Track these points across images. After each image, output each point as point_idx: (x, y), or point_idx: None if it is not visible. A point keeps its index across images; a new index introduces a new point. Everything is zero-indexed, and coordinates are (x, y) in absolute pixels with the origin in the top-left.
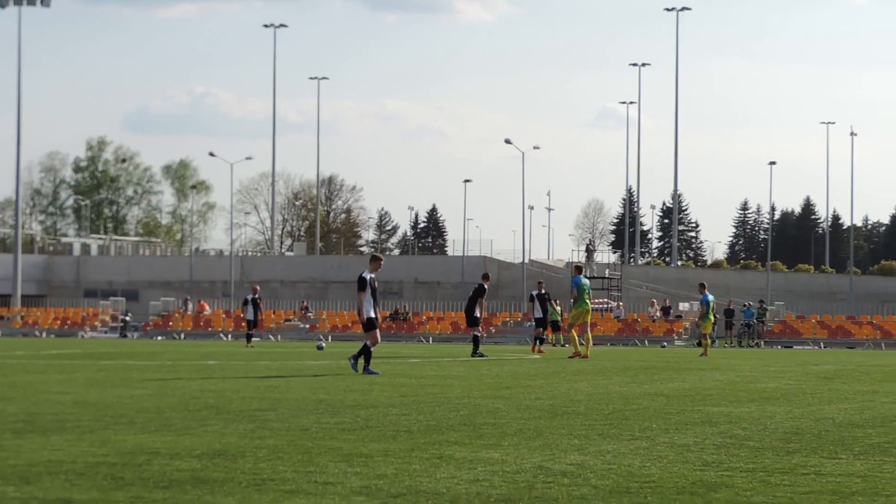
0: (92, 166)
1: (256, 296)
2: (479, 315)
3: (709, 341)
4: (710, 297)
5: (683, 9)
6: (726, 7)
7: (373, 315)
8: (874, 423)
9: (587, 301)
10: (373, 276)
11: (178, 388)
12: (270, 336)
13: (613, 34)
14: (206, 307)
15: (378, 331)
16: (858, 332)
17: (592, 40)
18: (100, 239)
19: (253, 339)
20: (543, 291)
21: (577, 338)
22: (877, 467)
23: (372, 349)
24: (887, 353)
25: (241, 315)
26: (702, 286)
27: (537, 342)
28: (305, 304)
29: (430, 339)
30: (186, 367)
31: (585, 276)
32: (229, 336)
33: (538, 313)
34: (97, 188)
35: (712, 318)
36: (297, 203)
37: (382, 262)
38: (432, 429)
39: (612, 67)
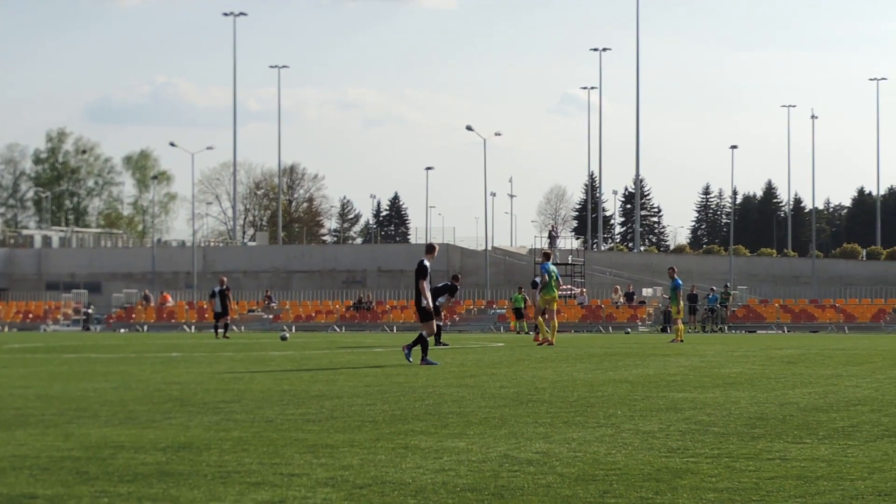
0: (52, 158)
1: (224, 287)
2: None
3: (681, 326)
4: (680, 282)
5: None
6: None
7: (424, 304)
8: (838, 408)
9: (555, 288)
10: (429, 264)
11: (141, 380)
12: (234, 327)
13: (574, 19)
14: (170, 299)
15: (434, 321)
16: (821, 315)
17: (553, 26)
18: (61, 231)
19: (225, 329)
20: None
21: (544, 324)
22: (841, 451)
23: (427, 339)
24: (850, 336)
25: (209, 307)
26: (672, 270)
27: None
28: (269, 294)
29: (394, 328)
30: (150, 360)
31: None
32: (193, 328)
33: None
34: (58, 180)
35: (682, 302)
36: (258, 192)
37: (437, 251)
38: (397, 419)
39: (572, 53)
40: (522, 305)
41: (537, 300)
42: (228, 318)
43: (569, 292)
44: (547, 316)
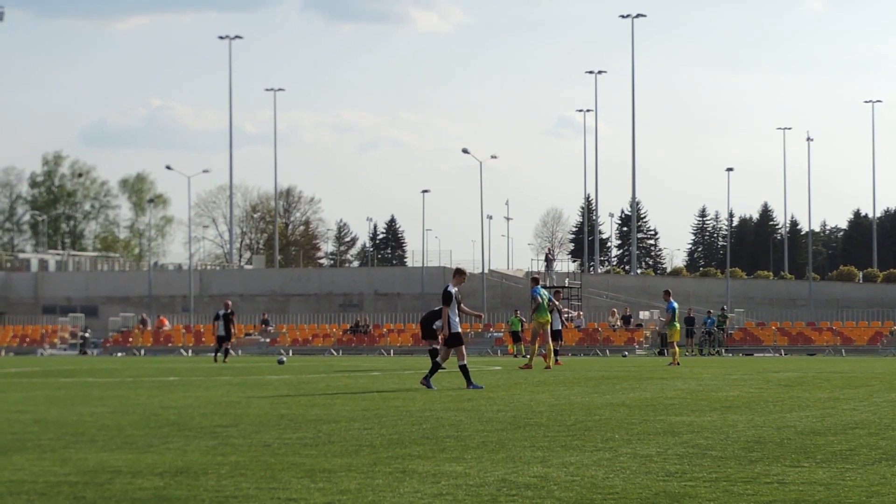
0: (48, 181)
1: (229, 311)
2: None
3: (677, 349)
4: (675, 305)
5: (639, 15)
6: (681, 13)
7: (458, 330)
8: (836, 431)
9: (547, 311)
10: (456, 289)
11: (138, 404)
12: (231, 351)
13: (569, 42)
14: (166, 322)
15: (464, 346)
16: (818, 338)
17: (549, 48)
18: (57, 254)
19: (225, 354)
20: (559, 304)
21: (537, 348)
22: (839, 475)
23: (461, 364)
24: (847, 359)
25: (213, 330)
26: (667, 293)
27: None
28: (266, 317)
29: (392, 351)
30: (147, 384)
31: (543, 286)
32: (190, 351)
33: (556, 325)
34: (54, 203)
35: (678, 325)
36: (255, 216)
37: (467, 277)
38: (395, 443)
39: (568, 75)
40: (519, 328)
41: (532, 324)
42: (230, 342)
43: (566, 315)
44: (540, 339)
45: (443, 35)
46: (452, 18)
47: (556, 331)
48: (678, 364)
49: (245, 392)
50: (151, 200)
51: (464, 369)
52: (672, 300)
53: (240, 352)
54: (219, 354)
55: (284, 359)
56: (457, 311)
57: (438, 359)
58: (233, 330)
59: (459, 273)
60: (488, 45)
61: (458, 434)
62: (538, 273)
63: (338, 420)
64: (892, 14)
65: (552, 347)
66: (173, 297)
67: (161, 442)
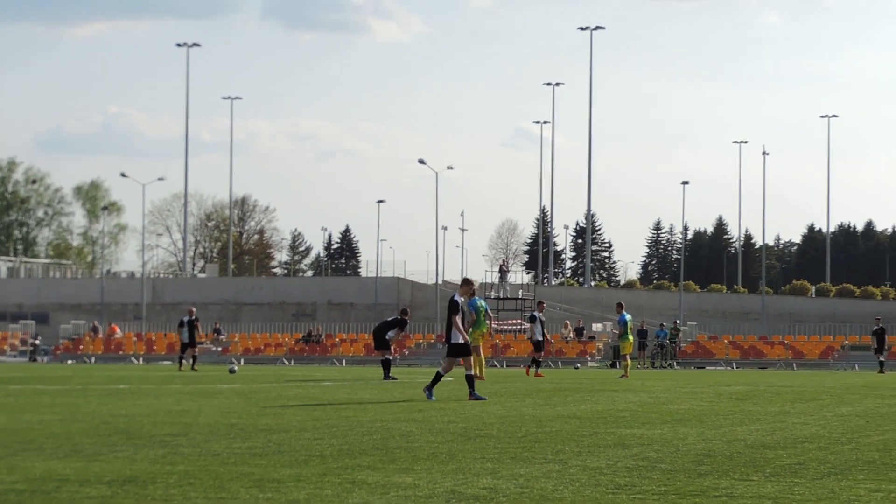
0: (1, 187)
1: (193, 318)
2: (388, 338)
3: (629, 362)
4: (628, 317)
5: (597, 28)
6: (640, 26)
7: (461, 340)
8: (785, 445)
9: (484, 323)
10: (463, 300)
11: (88, 412)
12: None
13: (528, 54)
14: (118, 330)
15: (472, 357)
16: (770, 352)
17: (507, 60)
18: (9, 261)
19: (193, 361)
20: (542, 314)
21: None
22: (788, 489)
23: (468, 374)
24: (799, 373)
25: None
26: (619, 306)
27: (534, 365)
28: (218, 326)
29: (344, 361)
30: (97, 392)
31: (482, 298)
32: (141, 359)
33: (538, 335)
34: (7, 210)
35: (631, 337)
36: (209, 224)
37: (475, 287)
38: (345, 453)
39: (526, 87)
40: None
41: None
42: (195, 349)
43: (519, 327)
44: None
45: (402, 45)
46: (411, 29)
47: (538, 342)
48: (627, 377)
49: (195, 401)
50: (105, 208)
51: (469, 379)
52: (625, 313)
53: (188, 361)
54: (184, 362)
55: (236, 368)
56: (462, 321)
57: (441, 370)
58: (197, 337)
59: (467, 283)
60: (447, 55)
61: (408, 445)
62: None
63: (288, 430)
64: (848, 29)
65: (537, 358)
66: (125, 305)
67: (109, 450)
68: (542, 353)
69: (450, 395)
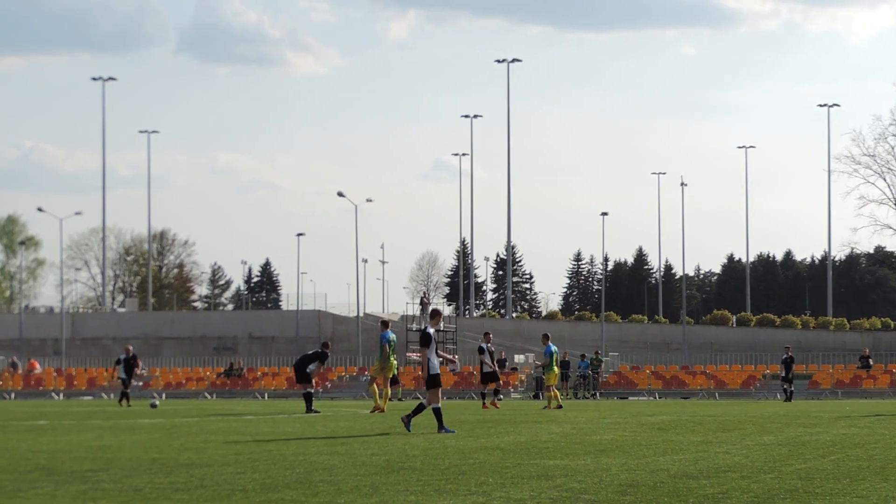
0: None
1: (130, 355)
2: (308, 371)
3: (556, 392)
4: (554, 348)
5: (514, 60)
6: (557, 58)
7: (437, 371)
8: (708, 474)
9: (392, 356)
10: (433, 331)
11: (7, 448)
12: (103, 394)
13: (446, 86)
14: (37, 366)
15: (440, 389)
16: (692, 382)
17: (425, 92)
18: None
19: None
20: (489, 344)
21: (378, 391)
22: None
23: (436, 407)
24: (721, 402)
25: (114, 375)
26: (545, 337)
27: (491, 395)
28: (139, 360)
29: (266, 395)
30: (16, 428)
31: (392, 332)
32: (61, 395)
33: (487, 367)
34: None
35: (556, 369)
36: (128, 258)
37: (442, 317)
38: (268, 487)
39: (444, 119)
40: (395, 373)
41: (374, 369)
42: (129, 386)
43: (440, 360)
44: (383, 383)
45: (319, 78)
46: (328, 61)
47: (488, 373)
48: (560, 407)
49: (116, 436)
50: (23, 242)
51: (437, 412)
52: (550, 344)
53: (112, 395)
54: (124, 400)
55: (157, 402)
56: (435, 352)
57: (425, 401)
58: (136, 372)
59: (437, 314)
60: (365, 88)
61: (331, 478)
62: (388, 319)
63: (210, 464)
64: (763, 60)
65: (497, 388)
66: (45, 340)
67: (30, 487)
68: (498, 384)
69: (373, 427)
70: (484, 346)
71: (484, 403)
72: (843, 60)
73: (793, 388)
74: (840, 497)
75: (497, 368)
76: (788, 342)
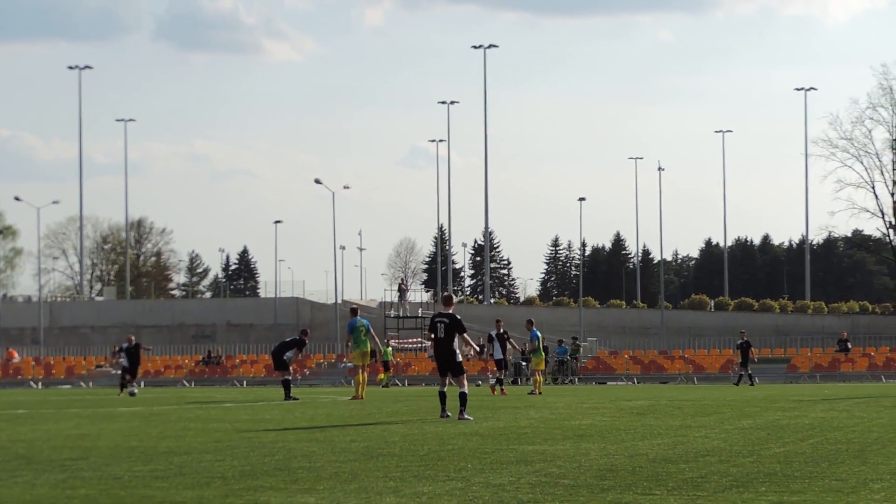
0: None
1: (132, 344)
2: (286, 358)
3: (540, 378)
4: (539, 334)
5: (490, 46)
6: (533, 44)
7: (459, 358)
8: (687, 458)
9: (365, 342)
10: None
11: None
12: (81, 383)
13: (422, 72)
14: (15, 355)
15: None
16: (671, 366)
17: (401, 79)
18: None
19: (129, 385)
20: (503, 331)
21: (362, 380)
22: (690, 502)
23: (464, 392)
24: (699, 387)
25: (113, 362)
26: (530, 322)
27: (497, 383)
28: (117, 349)
29: (244, 382)
30: None
31: (363, 318)
32: (39, 384)
33: (497, 354)
34: None
35: (542, 354)
36: (106, 247)
37: (454, 301)
38: (247, 474)
39: (421, 106)
40: (390, 358)
41: (351, 355)
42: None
43: (419, 345)
44: (351, 372)
45: (295, 65)
46: (305, 49)
47: (499, 360)
48: (540, 393)
49: (95, 424)
50: (0, 232)
51: (464, 397)
52: (535, 329)
53: (91, 384)
54: (125, 388)
55: (136, 390)
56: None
57: (465, 389)
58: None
59: (450, 300)
60: (341, 75)
61: (310, 465)
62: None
63: (189, 452)
64: (740, 44)
65: (500, 376)
66: (23, 330)
67: (9, 476)
68: (504, 371)
69: (351, 414)
70: (493, 333)
71: (493, 389)
72: (820, 44)
73: (751, 372)
74: (819, 480)
75: (516, 349)
76: (767, 326)
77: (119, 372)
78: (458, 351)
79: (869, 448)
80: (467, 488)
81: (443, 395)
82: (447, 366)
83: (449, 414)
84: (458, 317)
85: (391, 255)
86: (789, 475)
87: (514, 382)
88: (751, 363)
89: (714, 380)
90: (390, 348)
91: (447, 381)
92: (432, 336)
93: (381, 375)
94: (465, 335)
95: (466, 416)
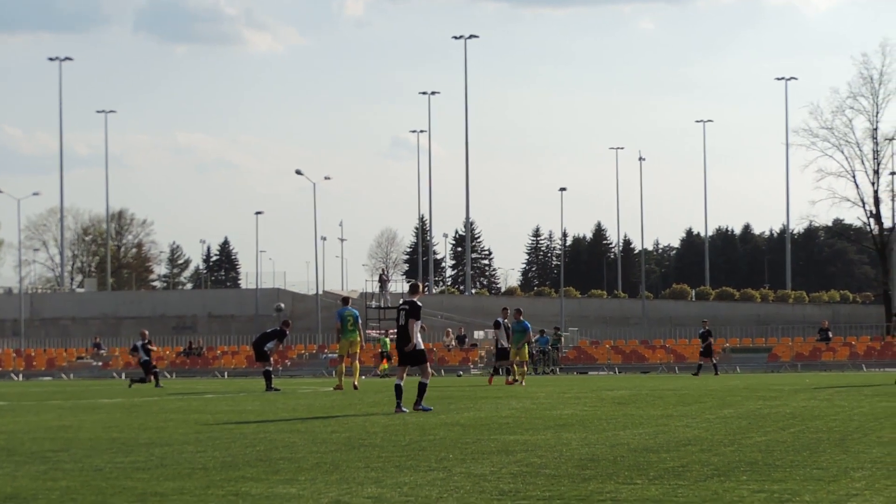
0: None
1: (146, 341)
2: (267, 349)
3: (525, 368)
4: (528, 324)
5: (471, 36)
6: (515, 34)
7: (423, 347)
8: (668, 448)
9: (353, 332)
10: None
11: None
12: (63, 375)
13: (403, 63)
14: None
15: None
16: (652, 356)
17: (382, 69)
18: None
19: (148, 379)
20: (506, 319)
21: (345, 370)
22: (671, 491)
23: (425, 382)
24: (680, 376)
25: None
26: (518, 312)
27: (506, 373)
28: (98, 340)
29: (225, 373)
30: None
31: (351, 307)
32: (20, 376)
33: (504, 342)
34: None
35: (527, 345)
36: (86, 238)
37: (423, 291)
38: (228, 465)
39: (402, 96)
40: (388, 349)
41: (336, 345)
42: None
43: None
44: (335, 362)
45: (277, 56)
46: (287, 40)
47: (502, 349)
48: (514, 382)
49: (76, 416)
50: None
51: (423, 388)
52: (524, 319)
53: (71, 375)
54: (151, 378)
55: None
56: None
57: (424, 379)
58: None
59: (417, 288)
60: (323, 66)
61: (291, 456)
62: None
63: (170, 443)
64: (721, 34)
65: (506, 366)
66: (3, 321)
67: None
68: (507, 362)
69: (333, 405)
70: (500, 320)
71: (491, 379)
72: (802, 34)
73: (714, 362)
74: (800, 469)
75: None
76: (748, 315)
77: (142, 366)
78: (419, 339)
79: (850, 437)
80: (448, 478)
81: (398, 389)
82: (407, 355)
83: (405, 409)
84: (419, 304)
85: (372, 245)
86: (770, 464)
87: (496, 373)
88: (727, 353)
89: (696, 369)
90: (388, 339)
91: (405, 373)
92: (398, 324)
93: (384, 366)
94: (414, 322)
95: (423, 407)
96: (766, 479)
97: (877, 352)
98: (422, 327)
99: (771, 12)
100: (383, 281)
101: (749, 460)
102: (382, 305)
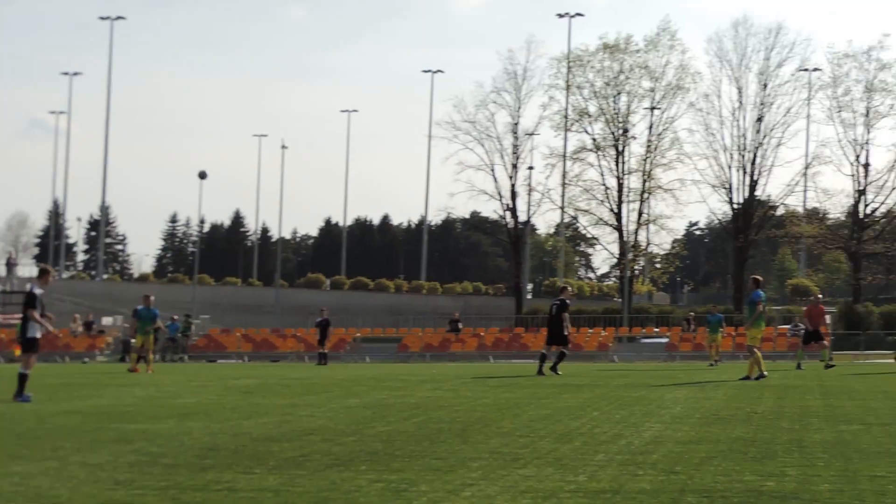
0: None
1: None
2: None
3: (151, 357)
4: (157, 311)
5: (118, 18)
6: (163, 17)
7: (38, 335)
8: (291, 437)
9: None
10: (41, 292)
11: None
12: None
13: (44, 42)
14: None
15: (36, 355)
16: (283, 345)
17: (21, 48)
18: None
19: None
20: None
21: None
22: (290, 481)
23: (27, 373)
24: (310, 366)
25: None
26: (146, 298)
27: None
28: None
29: None
30: None
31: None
32: None
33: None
34: None
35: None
36: None
37: (51, 276)
38: None
39: (42, 76)
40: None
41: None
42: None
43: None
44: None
45: None
46: None
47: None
48: (148, 371)
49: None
50: None
51: (23, 378)
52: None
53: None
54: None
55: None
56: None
57: (22, 368)
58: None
59: (46, 273)
60: None
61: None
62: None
63: None
64: (372, 25)
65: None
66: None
67: None
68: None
69: None
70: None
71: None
72: (450, 28)
73: (326, 352)
74: (419, 459)
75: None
76: (381, 305)
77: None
78: (35, 325)
79: (471, 427)
80: (63, 468)
81: (23, 376)
82: (26, 342)
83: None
84: (34, 292)
85: (2, 228)
86: (390, 454)
87: (122, 360)
88: (357, 342)
89: (330, 358)
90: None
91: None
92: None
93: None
94: (30, 311)
95: (23, 397)
96: (384, 469)
97: (505, 343)
98: (47, 316)
99: (421, 4)
100: (11, 265)
101: (370, 450)
102: (9, 290)
